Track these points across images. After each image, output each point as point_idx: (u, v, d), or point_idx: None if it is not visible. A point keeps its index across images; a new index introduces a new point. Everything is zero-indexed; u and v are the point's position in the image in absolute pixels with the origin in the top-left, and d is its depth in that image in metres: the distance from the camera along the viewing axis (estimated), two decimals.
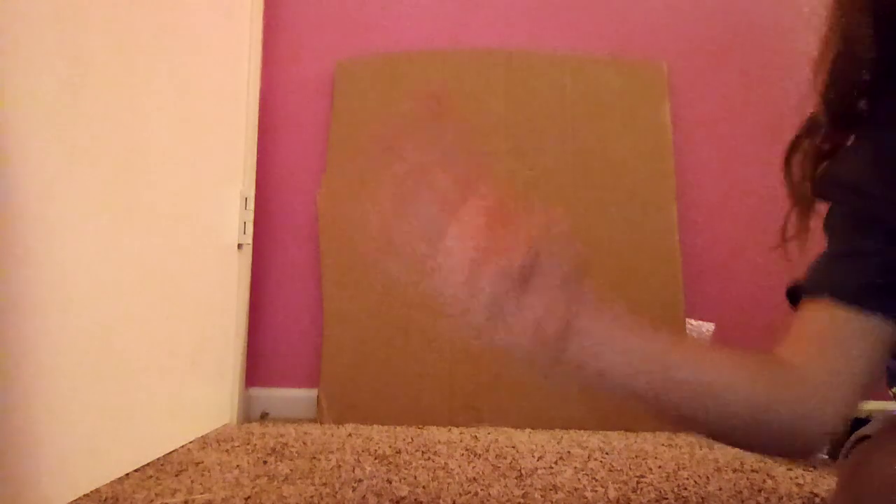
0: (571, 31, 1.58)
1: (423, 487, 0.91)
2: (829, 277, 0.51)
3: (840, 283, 0.50)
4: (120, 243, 0.97)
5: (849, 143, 0.53)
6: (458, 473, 0.99)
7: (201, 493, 0.87)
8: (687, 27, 1.59)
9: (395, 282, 0.38)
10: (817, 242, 0.55)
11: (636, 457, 1.11)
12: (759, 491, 0.92)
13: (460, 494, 0.88)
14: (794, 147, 0.56)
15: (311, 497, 0.86)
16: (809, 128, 0.55)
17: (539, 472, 1.00)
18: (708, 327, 1.45)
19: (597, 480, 0.96)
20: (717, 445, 1.22)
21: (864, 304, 0.48)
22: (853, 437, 0.56)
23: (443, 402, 1.38)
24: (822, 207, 0.55)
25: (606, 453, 1.14)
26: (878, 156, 0.50)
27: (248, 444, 1.15)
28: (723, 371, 0.47)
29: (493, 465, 1.04)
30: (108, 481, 0.91)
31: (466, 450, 1.14)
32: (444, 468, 1.01)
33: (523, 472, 1.00)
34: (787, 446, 0.50)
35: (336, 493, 0.88)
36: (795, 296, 0.54)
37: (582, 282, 0.40)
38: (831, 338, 0.49)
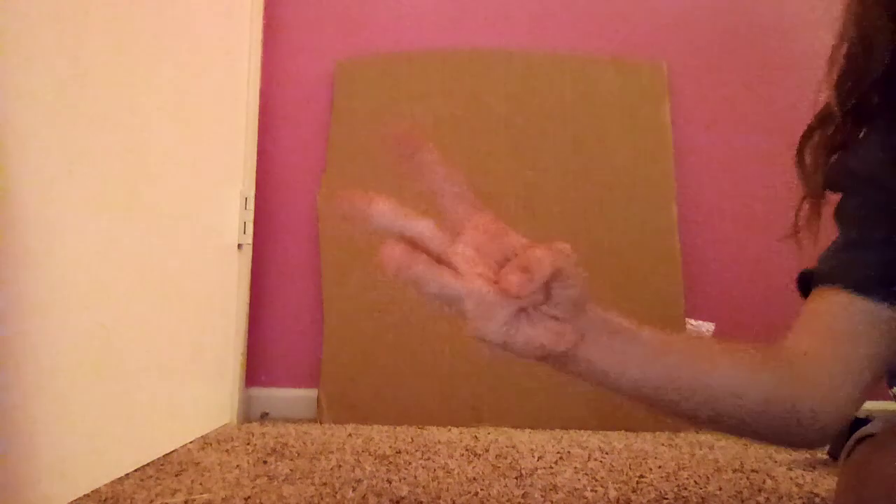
0: (571, 31, 1.58)
1: (423, 487, 0.91)
2: (840, 267, 0.51)
3: (851, 273, 0.50)
4: (120, 243, 0.96)
5: (861, 135, 0.54)
6: (458, 473, 0.98)
7: (201, 493, 0.87)
8: (687, 27, 1.59)
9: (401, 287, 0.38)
10: (822, 235, 0.55)
11: (636, 457, 1.11)
12: (759, 491, 0.92)
13: (460, 494, 0.88)
14: (806, 138, 0.56)
15: (311, 497, 0.86)
16: (822, 119, 0.55)
17: (539, 472, 1.00)
18: (708, 327, 1.45)
19: (597, 480, 0.96)
20: (718, 445, 1.22)
21: (875, 294, 0.48)
22: (854, 437, 0.56)
23: (443, 402, 1.38)
24: (833, 198, 0.55)
25: (606, 453, 1.14)
26: (890, 148, 0.50)
27: (248, 444, 1.15)
28: (728, 368, 0.47)
29: (493, 465, 1.04)
30: (108, 481, 0.91)
31: (466, 450, 1.14)
32: (444, 468, 1.01)
33: (523, 472, 1.00)
34: (795, 438, 0.50)
35: (336, 493, 0.88)
36: (805, 284, 0.54)
37: (587, 307, 0.41)
38: (841, 328, 0.49)
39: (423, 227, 0.38)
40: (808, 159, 0.56)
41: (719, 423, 0.49)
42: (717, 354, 0.49)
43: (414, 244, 0.38)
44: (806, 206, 0.56)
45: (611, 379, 0.44)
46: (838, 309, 0.49)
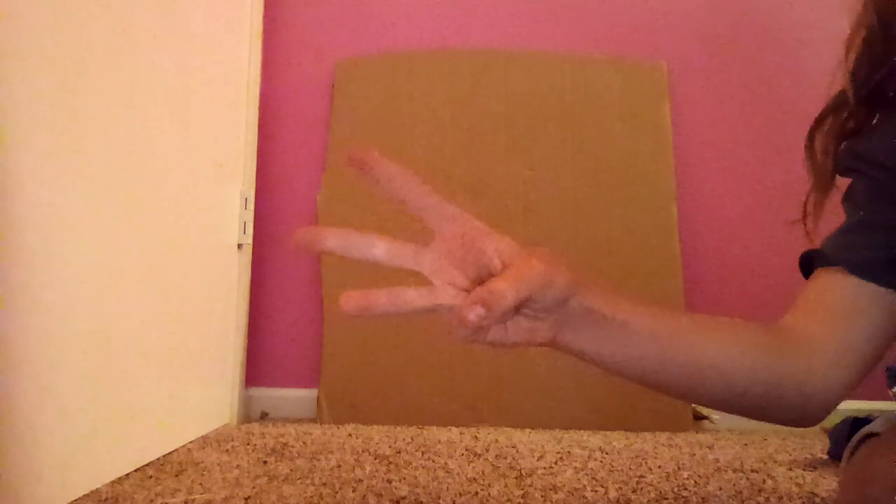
0: (571, 31, 1.58)
1: (423, 487, 0.91)
2: (845, 249, 0.51)
3: (856, 254, 0.50)
4: (120, 243, 0.96)
5: (874, 121, 0.54)
6: (458, 473, 0.98)
7: (201, 493, 0.87)
8: (687, 27, 1.59)
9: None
10: (824, 229, 0.55)
11: (636, 457, 1.11)
12: (759, 491, 0.92)
13: (460, 494, 0.88)
14: (818, 124, 0.56)
15: (311, 497, 0.86)
16: (835, 105, 0.55)
17: (539, 472, 1.00)
18: None
19: (597, 480, 0.96)
20: (717, 445, 1.22)
21: (878, 277, 0.48)
22: (856, 437, 0.56)
23: (443, 402, 1.38)
24: (841, 187, 0.55)
25: (606, 453, 1.14)
26: None
27: (248, 444, 1.15)
28: (719, 349, 0.48)
29: (493, 465, 1.04)
30: (108, 481, 0.91)
31: (466, 450, 1.14)
32: (444, 468, 1.01)
33: (523, 472, 1.00)
34: (793, 416, 0.51)
35: (336, 493, 0.88)
36: (808, 265, 0.54)
37: (567, 304, 0.42)
38: (844, 309, 0.49)
39: (379, 251, 0.39)
40: (818, 146, 0.56)
41: (711, 401, 0.50)
42: (708, 336, 0.49)
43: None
44: (814, 193, 0.56)
45: (595, 361, 0.46)
46: (840, 290, 0.50)
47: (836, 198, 0.56)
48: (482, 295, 0.35)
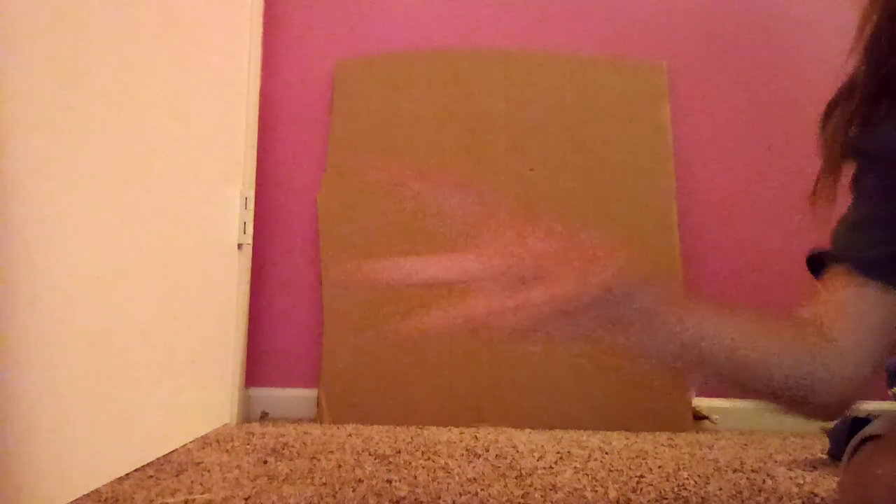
0: (571, 31, 1.58)
1: (423, 487, 0.91)
2: (851, 246, 0.52)
3: (861, 253, 0.50)
4: (120, 243, 0.96)
5: (883, 110, 0.53)
6: (458, 473, 0.98)
7: (201, 493, 0.87)
8: (687, 27, 1.59)
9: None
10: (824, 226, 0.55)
11: (636, 457, 1.11)
12: (759, 491, 0.92)
13: (460, 494, 0.88)
14: (831, 107, 0.56)
15: (311, 497, 0.86)
16: (847, 91, 0.55)
17: (539, 472, 1.00)
18: None
19: (597, 480, 0.96)
20: (717, 445, 1.22)
21: (884, 276, 0.49)
22: (857, 438, 0.56)
23: (443, 402, 1.38)
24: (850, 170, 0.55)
25: (606, 453, 1.14)
26: None
27: (248, 444, 1.15)
28: (766, 347, 0.49)
29: (493, 465, 1.04)
30: (108, 481, 0.91)
31: (466, 450, 1.14)
32: (444, 468, 1.01)
33: (523, 472, 1.00)
34: (811, 408, 0.51)
35: (336, 493, 0.88)
36: (814, 263, 0.54)
37: (623, 307, 0.43)
38: (851, 306, 0.50)
39: (433, 274, 0.39)
40: (830, 129, 0.56)
41: (753, 389, 0.50)
42: (759, 333, 0.49)
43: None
44: (823, 176, 0.56)
45: (629, 353, 0.46)
46: (845, 288, 0.50)
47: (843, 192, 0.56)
48: (518, 305, 0.36)
